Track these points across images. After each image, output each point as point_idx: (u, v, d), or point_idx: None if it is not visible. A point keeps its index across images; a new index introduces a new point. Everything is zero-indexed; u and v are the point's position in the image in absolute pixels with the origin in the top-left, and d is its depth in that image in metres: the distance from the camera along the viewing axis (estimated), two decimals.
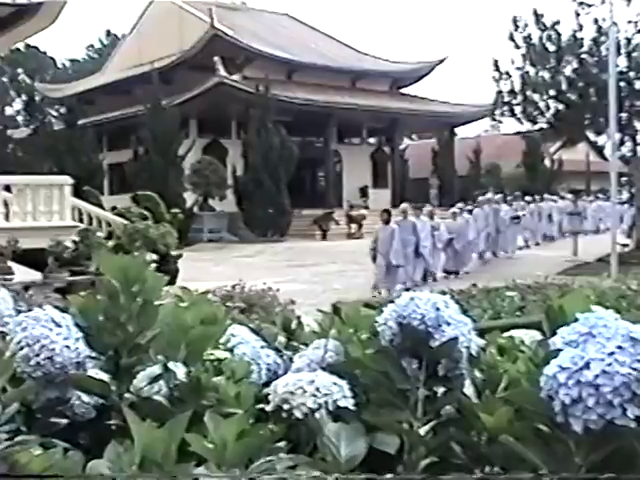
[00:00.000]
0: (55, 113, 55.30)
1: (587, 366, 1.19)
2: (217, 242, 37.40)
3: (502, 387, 1.45)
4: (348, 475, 1.30)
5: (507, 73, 29.58)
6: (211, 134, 46.28)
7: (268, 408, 1.45)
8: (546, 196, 35.29)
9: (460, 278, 19.80)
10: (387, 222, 18.82)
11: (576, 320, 1.28)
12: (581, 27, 28.68)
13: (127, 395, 1.56)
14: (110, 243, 19.57)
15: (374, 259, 18.60)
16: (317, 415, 1.40)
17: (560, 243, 32.16)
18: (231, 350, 1.72)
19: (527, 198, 32.87)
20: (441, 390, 1.44)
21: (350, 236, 38.79)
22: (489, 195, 27.76)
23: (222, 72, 41.81)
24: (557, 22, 29.00)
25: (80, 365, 1.57)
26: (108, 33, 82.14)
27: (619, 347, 1.20)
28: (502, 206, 27.90)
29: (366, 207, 43.81)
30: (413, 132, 66.51)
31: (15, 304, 1.79)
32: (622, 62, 27.63)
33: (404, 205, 20.82)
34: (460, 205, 25.26)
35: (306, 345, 1.79)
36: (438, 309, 1.44)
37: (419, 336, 1.43)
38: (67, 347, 1.54)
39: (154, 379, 1.54)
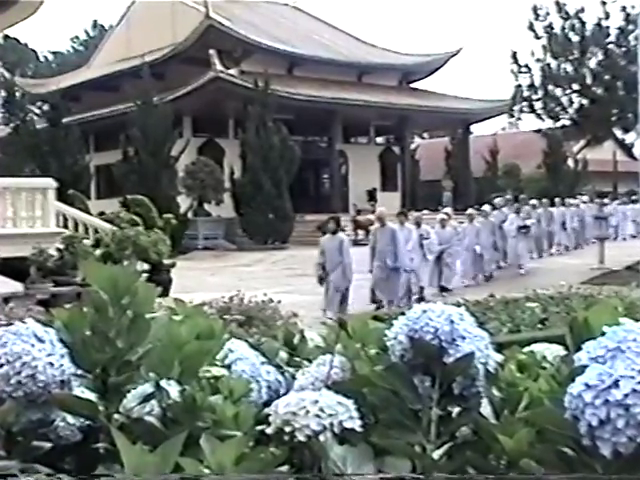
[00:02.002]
0: (37, 110, 55.44)
1: (616, 384, 1.19)
2: (213, 250, 37.44)
3: (522, 407, 1.45)
4: None
5: (526, 66, 29.66)
6: (206, 133, 46.38)
7: (269, 430, 1.45)
8: (558, 200, 34.11)
9: (451, 294, 19.38)
10: (334, 232, 17.61)
11: (603, 334, 1.28)
12: (607, 15, 28.73)
13: (116, 416, 1.56)
14: (97, 251, 19.60)
15: (320, 279, 17.55)
16: (321, 437, 1.40)
17: (581, 251, 32.14)
18: (229, 367, 1.72)
19: (533, 202, 31.66)
20: (456, 410, 1.44)
21: (357, 243, 38.81)
22: (486, 208, 26.29)
23: (218, 66, 41.91)
24: (581, 10, 29.04)
25: (65, 384, 1.56)
26: (95, 24, 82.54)
27: None
28: (508, 214, 26.56)
29: (374, 212, 43.82)
30: (425, 130, 66.67)
31: None
32: None
33: (381, 210, 19.89)
34: (447, 210, 24.38)
35: (310, 361, 1.79)
36: (452, 322, 1.44)
37: (432, 351, 1.43)
38: (51, 364, 1.54)
39: (145, 399, 1.54)
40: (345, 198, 48.79)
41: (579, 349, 1.30)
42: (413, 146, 56.21)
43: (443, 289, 21.16)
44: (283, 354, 1.95)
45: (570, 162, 53.08)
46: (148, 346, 1.62)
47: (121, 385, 1.60)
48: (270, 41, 46.89)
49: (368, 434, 1.43)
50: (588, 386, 1.20)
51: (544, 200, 32.55)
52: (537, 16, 29.28)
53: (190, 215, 39.07)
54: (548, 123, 31.34)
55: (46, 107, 47.29)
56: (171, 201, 36.59)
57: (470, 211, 25.04)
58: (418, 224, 20.63)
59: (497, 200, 27.38)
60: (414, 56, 55.57)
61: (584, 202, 36.50)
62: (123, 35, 53.56)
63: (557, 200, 33.72)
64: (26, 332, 1.57)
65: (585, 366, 1.24)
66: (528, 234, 26.51)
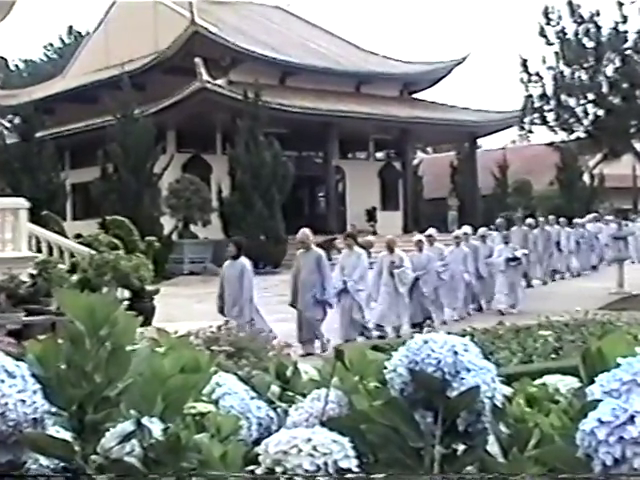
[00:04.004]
0: (7, 124, 55.33)
1: (631, 420, 1.19)
2: (200, 275, 37.36)
3: (532, 444, 1.45)
4: None
5: (537, 74, 29.62)
6: (192, 148, 46.41)
7: (259, 471, 1.45)
8: (552, 218, 32.69)
9: (433, 328, 18.40)
10: (235, 257, 16.67)
11: (618, 365, 1.28)
12: (625, 19, 28.75)
13: (93, 457, 1.56)
14: (74, 277, 19.55)
15: (221, 311, 16.48)
16: (316, 479, 1.40)
17: (599, 273, 32.15)
18: (216, 402, 1.72)
19: (529, 221, 30.67)
20: (461, 448, 1.45)
21: None
22: (467, 229, 24.60)
23: (204, 76, 41.94)
24: (596, 13, 29.07)
25: (38, 422, 1.56)
26: (70, 30, 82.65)
27: None
28: (495, 243, 24.79)
29: (374, 232, 43.76)
30: (428, 144, 66.78)
31: None
32: None
33: (303, 231, 18.57)
34: (432, 231, 22.37)
35: (304, 396, 1.79)
36: (456, 353, 1.45)
37: (434, 385, 1.43)
38: (22, 401, 1.54)
39: (125, 438, 1.54)
40: (342, 218, 48.72)
41: (592, 382, 1.31)
42: (416, 161, 56.20)
43: (415, 325, 19.54)
44: (275, 388, 1.95)
45: (586, 178, 53.05)
46: (128, 381, 1.62)
47: (99, 423, 1.60)
48: (261, 48, 46.95)
49: (366, 474, 1.43)
50: (601, 422, 1.21)
51: (540, 219, 31.85)
52: (549, 20, 29.24)
53: (175, 237, 39.04)
54: (561, 136, 31.14)
55: (17, 120, 47.25)
56: (154, 222, 36.57)
57: (456, 233, 23.72)
58: (390, 249, 19.63)
59: (481, 230, 25.48)
60: (416, 64, 55.65)
61: (590, 221, 36.20)
62: (101, 42, 53.61)
63: (551, 218, 32.54)
64: None
65: (598, 400, 1.25)
66: (518, 267, 24.19)
